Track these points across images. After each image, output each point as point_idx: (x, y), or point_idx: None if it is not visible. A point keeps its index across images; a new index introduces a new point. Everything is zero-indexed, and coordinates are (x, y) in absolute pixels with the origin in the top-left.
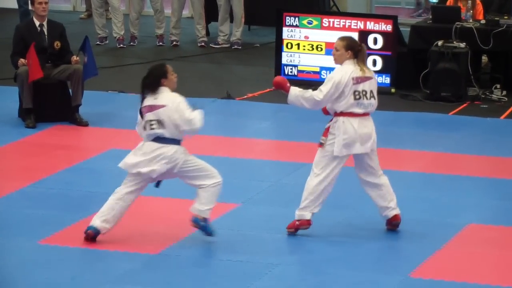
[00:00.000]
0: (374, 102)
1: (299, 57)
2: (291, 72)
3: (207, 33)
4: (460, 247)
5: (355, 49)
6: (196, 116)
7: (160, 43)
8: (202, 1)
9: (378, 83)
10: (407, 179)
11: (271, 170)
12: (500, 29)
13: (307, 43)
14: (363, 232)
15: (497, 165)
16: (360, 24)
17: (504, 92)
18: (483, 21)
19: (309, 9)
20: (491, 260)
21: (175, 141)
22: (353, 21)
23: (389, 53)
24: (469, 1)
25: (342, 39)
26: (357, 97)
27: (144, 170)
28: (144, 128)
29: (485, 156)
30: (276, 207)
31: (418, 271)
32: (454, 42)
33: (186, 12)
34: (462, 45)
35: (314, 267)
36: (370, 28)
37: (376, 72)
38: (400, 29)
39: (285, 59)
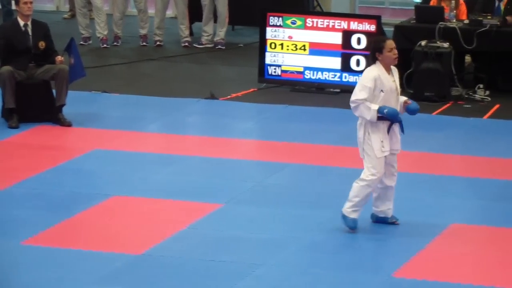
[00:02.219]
0: None
1: (282, 57)
2: (275, 72)
3: (191, 33)
4: (443, 247)
5: None
6: None
7: (144, 43)
8: (186, 1)
9: None
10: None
11: (254, 170)
12: (483, 29)
13: (290, 43)
14: (346, 232)
15: (480, 165)
16: (344, 24)
17: (487, 92)
18: (466, 21)
19: (293, 9)
20: (474, 260)
21: None
22: (336, 21)
23: None
24: (453, 1)
25: None
26: None
27: None
28: None
29: (468, 156)
30: (259, 208)
31: (401, 271)
32: (438, 42)
33: (169, 12)
34: (446, 45)
35: (297, 267)
36: (353, 28)
37: (359, 72)
38: (384, 29)
39: (268, 59)
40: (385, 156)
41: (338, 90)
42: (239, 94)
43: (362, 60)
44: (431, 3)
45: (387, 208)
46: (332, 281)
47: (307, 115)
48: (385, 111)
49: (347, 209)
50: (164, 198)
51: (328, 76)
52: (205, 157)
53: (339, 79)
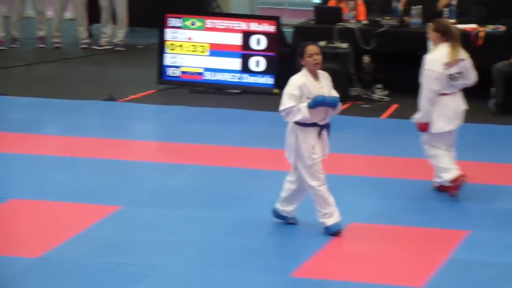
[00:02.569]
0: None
1: (182, 58)
2: (174, 73)
3: (90, 35)
4: (342, 246)
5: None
6: None
7: (42, 45)
8: (85, 2)
9: (261, 84)
10: None
11: (154, 172)
12: (381, 29)
13: (190, 44)
14: (247, 233)
15: (379, 164)
16: (244, 25)
17: (386, 92)
18: (365, 22)
19: (192, 10)
20: (373, 258)
21: None
22: (236, 22)
23: (272, 53)
24: (351, 2)
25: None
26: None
27: None
28: None
29: (368, 156)
30: (159, 209)
31: (300, 271)
32: (337, 42)
33: (68, 14)
34: (344, 45)
35: (197, 268)
36: (253, 29)
37: (259, 73)
38: (284, 29)
39: (168, 60)
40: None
41: (238, 91)
42: (139, 95)
43: (262, 61)
44: (330, 4)
45: (291, 210)
46: (231, 282)
47: (207, 116)
48: (311, 102)
49: (323, 220)
50: (63, 201)
51: (228, 77)
52: (104, 159)
53: (238, 80)
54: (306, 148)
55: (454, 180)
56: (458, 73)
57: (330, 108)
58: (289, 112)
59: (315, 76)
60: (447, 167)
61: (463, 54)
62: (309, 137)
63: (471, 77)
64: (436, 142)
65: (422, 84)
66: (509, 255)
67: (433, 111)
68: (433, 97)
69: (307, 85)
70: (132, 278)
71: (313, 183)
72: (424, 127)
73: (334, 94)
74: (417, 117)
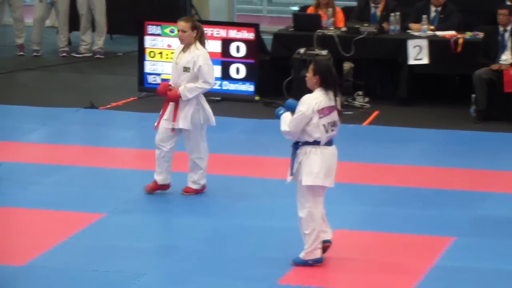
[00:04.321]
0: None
1: (162, 65)
2: (154, 80)
3: (69, 43)
4: (327, 254)
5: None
6: None
7: (21, 53)
8: (67, 11)
9: (241, 91)
10: (272, 187)
11: (136, 179)
12: (360, 36)
13: (170, 52)
14: (231, 240)
15: (361, 171)
16: (223, 32)
17: (367, 99)
18: (344, 29)
19: (171, 17)
20: (358, 265)
21: None
22: (215, 29)
23: (252, 61)
24: (330, 9)
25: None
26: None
27: None
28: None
29: (349, 162)
30: (142, 216)
31: (286, 278)
32: (316, 49)
33: (47, 22)
34: (324, 52)
35: (181, 276)
36: (232, 36)
37: (239, 80)
38: (262, 37)
39: (148, 67)
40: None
41: (218, 98)
42: (119, 103)
43: (242, 68)
44: (308, 11)
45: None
46: None
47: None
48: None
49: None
50: (45, 209)
51: None
52: (86, 167)
53: (219, 87)
54: None
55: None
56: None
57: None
58: None
59: (185, 48)
60: None
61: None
62: None
63: None
64: None
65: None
66: (494, 261)
67: None
68: None
69: (177, 51)
70: (117, 286)
71: None
72: None
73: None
74: None
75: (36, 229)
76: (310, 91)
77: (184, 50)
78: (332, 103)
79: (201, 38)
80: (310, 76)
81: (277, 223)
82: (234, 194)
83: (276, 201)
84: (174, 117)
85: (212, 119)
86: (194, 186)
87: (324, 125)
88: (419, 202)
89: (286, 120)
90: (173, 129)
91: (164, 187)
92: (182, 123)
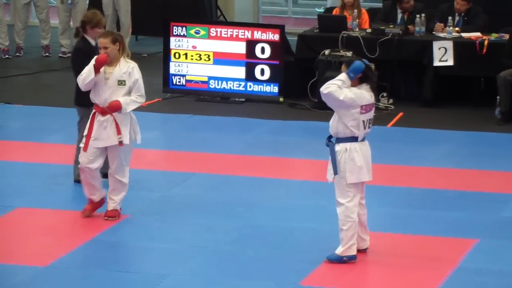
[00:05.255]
0: None
1: (187, 66)
2: (179, 82)
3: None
4: None
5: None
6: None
7: (47, 54)
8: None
9: (265, 92)
10: (296, 188)
11: (160, 181)
12: (385, 37)
13: (195, 53)
14: (254, 241)
15: (385, 173)
16: (248, 34)
17: (391, 101)
18: (369, 30)
19: (196, 18)
20: (381, 267)
21: None
22: (240, 31)
23: (277, 62)
24: (355, 10)
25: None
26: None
27: None
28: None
29: (373, 164)
30: (166, 218)
31: (309, 279)
32: (341, 51)
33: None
34: (349, 53)
35: (204, 277)
36: (257, 37)
37: (264, 81)
38: (287, 38)
39: (173, 69)
40: None
41: (243, 100)
42: (144, 104)
43: (267, 69)
44: (334, 13)
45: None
46: None
47: (212, 124)
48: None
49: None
50: (69, 210)
51: (233, 86)
52: None
53: (243, 89)
54: None
55: None
56: None
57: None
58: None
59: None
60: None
61: None
62: None
63: None
64: None
65: None
66: None
67: None
68: None
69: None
70: (140, 287)
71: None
72: None
73: None
74: None
75: (60, 230)
76: None
77: (110, 64)
78: (372, 101)
79: (124, 50)
80: None
81: (301, 224)
82: (258, 195)
83: (300, 202)
84: (118, 131)
85: (139, 136)
86: (118, 207)
87: (363, 121)
88: (443, 204)
89: (341, 86)
90: (121, 142)
91: (102, 201)
92: (125, 138)
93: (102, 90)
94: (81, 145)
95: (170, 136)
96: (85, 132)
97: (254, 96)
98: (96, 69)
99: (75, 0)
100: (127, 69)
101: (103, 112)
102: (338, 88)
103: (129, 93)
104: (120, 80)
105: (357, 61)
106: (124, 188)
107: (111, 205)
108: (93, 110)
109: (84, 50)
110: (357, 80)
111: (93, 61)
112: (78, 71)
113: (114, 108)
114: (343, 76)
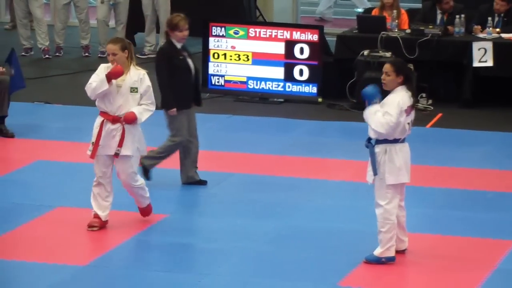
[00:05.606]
0: None
1: (226, 67)
2: (218, 82)
3: (134, 44)
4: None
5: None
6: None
7: (86, 54)
8: (126, 11)
9: (304, 92)
10: (335, 188)
11: None
12: (425, 38)
13: (233, 53)
14: (293, 241)
15: (424, 174)
16: (287, 34)
17: (430, 101)
18: (408, 31)
19: (235, 19)
20: (419, 268)
21: None
22: (279, 31)
23: (315, 62)
24: (394, 11)
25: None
26: None
27: None
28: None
29: (412, 165)
30: (204, 217)
31: (347, 280)
32: (380, 51)
33: (112, 23)
34: (388, 54)
35: (243, 277)
36: (296, 38)
37: (303, 81)
38: (326, 38)
39: (212, 69)
40: None
41: (281, 100)
42: None
43: (306, 70)
44: (373, 13)
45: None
46: None
47: (250, 124)
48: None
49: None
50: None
51: (272, 86)
52: None
53: (282, 89)
54: None
55: None
56: None
57: None
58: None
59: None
60: None
61: None
62: None
63: None
64: None
65: None
66: None
67: None
68: None
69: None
70: (179, 286)
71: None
72: None
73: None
74: None
75: (100, 228)
76: None
77: None
78: (412, 102)
79: (132, 58)
80: (393, 78)
81: (339, 224)
82: (296, 196)
83: (339, 203)
84: (121, 143)
85: (144, 147)
86: (148, 201)
87: (406, 124)
88: (481, 205)
89: (378, 121)
90: (116, 155)
91: (106, 223)
92: (126, 150)
93: (114, 98)
94: (88, 152)
95: (209, 136)
96: (93, 139)
97: (293, 96)
98: (109, 80)
99: (117, 0)
100: (138, 76)
101: (114, 120)
102: (383, 118)
103: (140, 100)
104: (132, 87)
105: (365, 89)
106: (143, 187)
107: (143, 203)
108: (102, 118)
109: (165, 51)
110: (401, 82)
111: (104, 71)
112: (158, 71)
113: (130, 120)
114: (374, 107)
